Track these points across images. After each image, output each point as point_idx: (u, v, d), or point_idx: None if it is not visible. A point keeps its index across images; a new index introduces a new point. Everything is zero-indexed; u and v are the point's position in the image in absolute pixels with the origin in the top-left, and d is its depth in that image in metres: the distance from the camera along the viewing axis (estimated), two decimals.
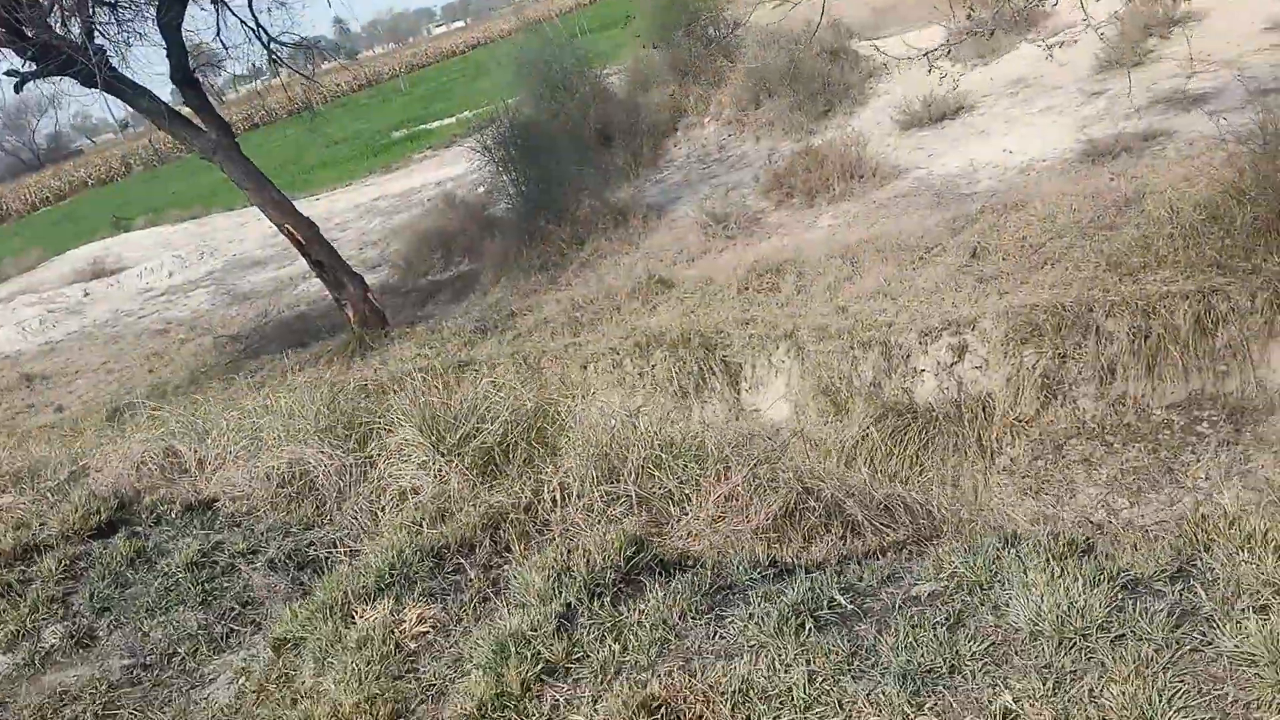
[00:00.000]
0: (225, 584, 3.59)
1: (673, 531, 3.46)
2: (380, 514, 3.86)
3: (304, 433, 4.34)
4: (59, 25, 9.87)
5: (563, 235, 13.62)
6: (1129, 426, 6.41)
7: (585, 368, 10.47)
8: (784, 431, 7.36)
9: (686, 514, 3.50)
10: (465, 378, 10.14)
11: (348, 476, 4.11)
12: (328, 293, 15.92)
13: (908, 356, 7.72)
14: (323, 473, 4.11)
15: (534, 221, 14.03)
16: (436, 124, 36.80)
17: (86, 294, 22.29)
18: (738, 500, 3.43)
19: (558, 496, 3.66)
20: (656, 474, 3.73)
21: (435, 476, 3.92)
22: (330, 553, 3.73)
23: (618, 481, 3.67)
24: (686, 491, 3.58)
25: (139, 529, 4.08)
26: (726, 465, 3.62)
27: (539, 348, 11.15)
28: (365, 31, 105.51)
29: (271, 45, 11.08)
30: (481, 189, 19.48)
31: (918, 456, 6.59)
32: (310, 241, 11.73)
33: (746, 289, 10.29)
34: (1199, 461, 5.99)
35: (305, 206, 25.48)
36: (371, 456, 4.16)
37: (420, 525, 3.55)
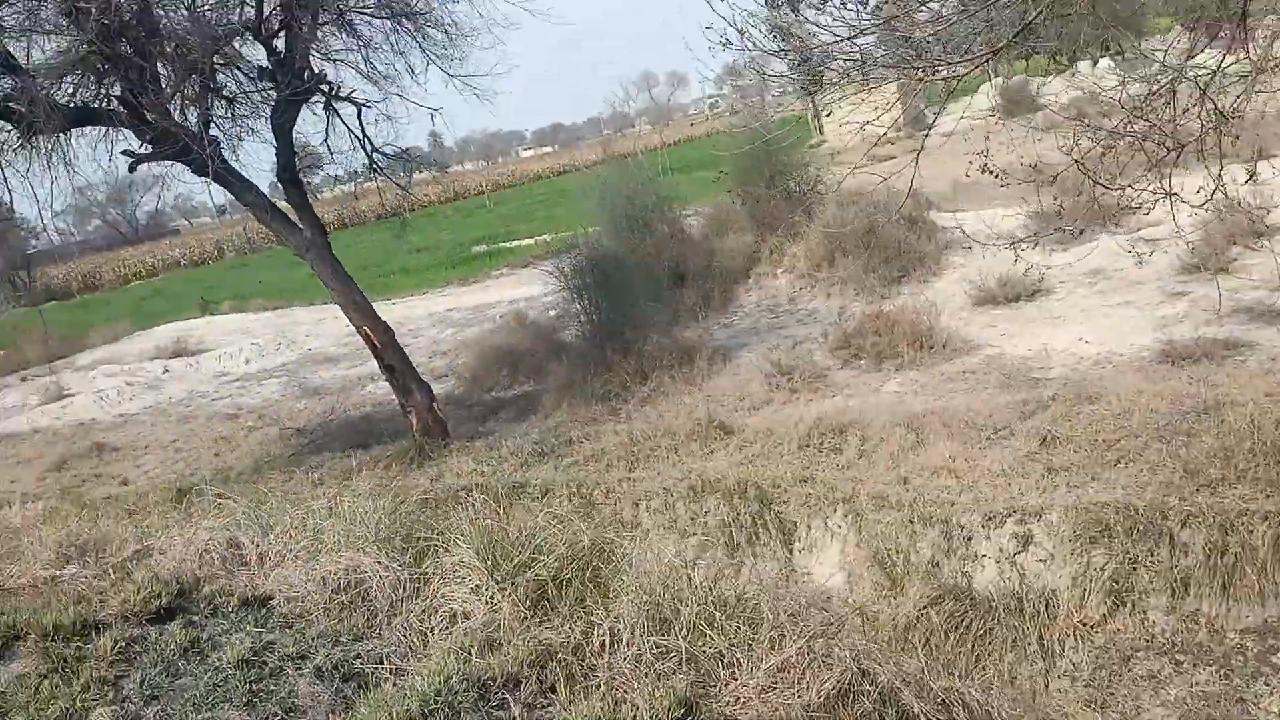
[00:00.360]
0: (272, 687, 3.60)
1: (720, 695, 3.41)
2: (430, 634, 3.87)
3: (364, 540, 4.40)
4: (178, 113, 10.50)
5: (628, 368, 13.80)
6: (1201, 646, 6.17)
7: (638, 505, 10.47)
8: (835, 600, 7.24)
9: (736, 679, 3.45)
10: (520, 502, 10.27)
11: (401, 591, 4.14)
12: (394, 397, 16.31)
13: (969, 539, 7.60)
14: (377, 584, 4.15)
15: (601, 351, 14.27)
16: (516, 243, 37.89)
17: (166, 371, 22.99)
18: (790, 672, 3.38)
19: (607, 641, 3.64)
20: (708, 632, 3.70)
21: (487, 603, 3.93)
22: (376, 669, 3.74)
23: (668, 634, 3.65)
24: (738, 655, 3.54)
25: (195, 618, 4.13)
26: (781, 633, 3.58)
27: (594, 478, 11.21)
28: (457, 147, 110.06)
29: (374, 154, 11.66)
30: (553, 312, 19.93)
31: (974, 646, 6.41)
32: (385, 346, 12.05)
33: (807, 445, 10.28)
34: (1272, 694, 5.74)
35: (383, 310, 26.20)
36: (427, 574, 4.19)
37: (469, 654, 3.55)
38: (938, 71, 4.65)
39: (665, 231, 17.53)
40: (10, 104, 9.33)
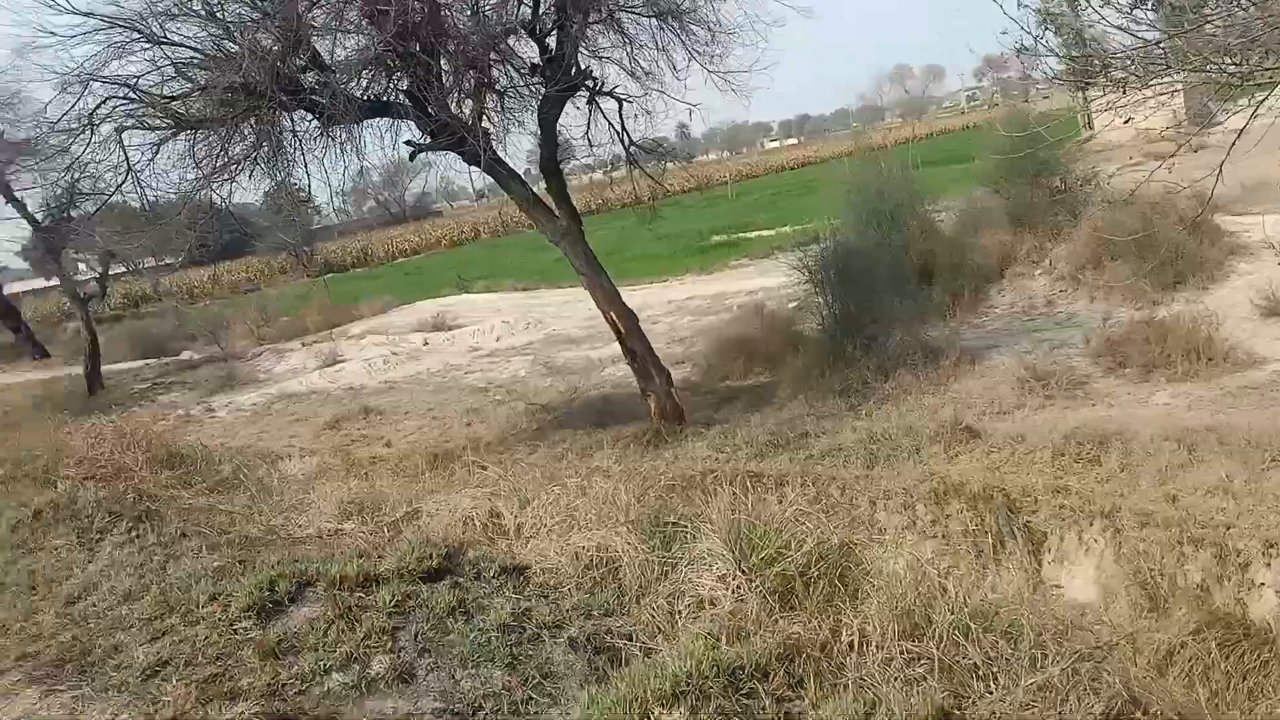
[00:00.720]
0: (530, 651, 3.81)
1: (975, 710, 3.29)
2: (677, 617, 3.97)
3: (614, 520, 4.56)
4: (455, 106, 11.15)
5: (869, 364, 13.51)
6: None
7: (875, 504, 10.24)
8: (1089, 617, 6.80)
9: (992, 693, 3.32)
10: (753, 492, 10.28)
11: (650, 572, 4.26)
12: (634, 381, 16.74)
13: (1246, 565, 6.94)
14: (628, 563, 4.29)
15: (840, 345, 14.04)
16: (756, 234, 37.88)
17: (425, 343, 24.66)
18: (1053, 693, 3.21)
19: (856, 641, 3.60)
20: (962, 642, 3.58)
21: (734, 592, 3.98)
22: (626, 645, 3.87)
23: (920, 640, 3.56)
24: (995, 669, 3.40)
25: (461, 580, 4.43)
26: (1043, 652, 3.41)
27: (829, 473, 11.05)
28: (703, 138, 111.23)
29: (631, 147, 11.97)
30: (792, 304, 19.78)
31: (1247, 679, 5.84)
32: (629, 332, 12.37)
33: (1063, 455, 9.70)
34: None
35: (623, 296, 27.06)
36: (675, 558, 4.29)
37: (718, 640, 3.62)
38: (1246, 75, 4.24)
39: (915, 226, 16.96)
40: (315, 97, 10.26)
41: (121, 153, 10.90)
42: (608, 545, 4.37)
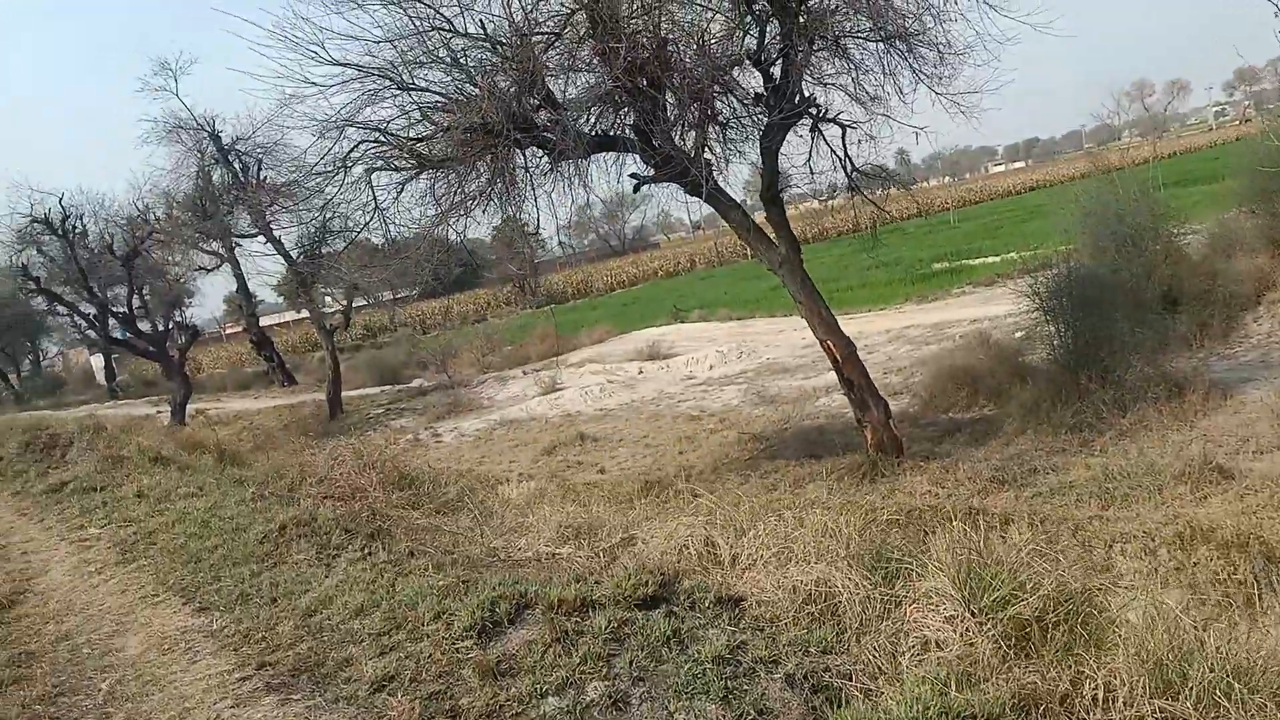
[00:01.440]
0: (745, 686, 3.73)
1: None
2: (900, 658, 3.79)
3: (833, 554, 4.43)
4: (678, 138, 11.33)
5: (1104, 397, 12.62)
6: None
7: (1110, 547, 9.49)
8: None
9: None
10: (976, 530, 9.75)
11: (871, 609, 4.09)
12: (848, 411, 16.39)
13: None
14: (847, 599, 4.14)
15: (1073, 377, 13.21)
16: (979, 261, 36.50)
17: (641, 372, 25.15)
18: None
19: (1100, 696, 3.31)
20: (1224, 704, 3.22)
21: (962, 635, 3.76)
22: (845, 685, 3.73)
23: (1175, 699, 3.23)
24: None
25: (676, 609, 4.41)
26: None
27: (1059, 513, 10.36)
28: (924, 163, 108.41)
29: (854, 174, 11.77)
30: (1019, 333, 18.84)
31: None
32: (846, 360, 12.11)
33: None
34: None
35: (840, 324, 26.62)
36: (898, 596, 4.11)
37: (946, 685, 3.42)
38: None
39: (1157, 250, 15.77)
40: (546, 134, 10.72)
41: (370, 192, 11.77)
42: (827, 580, 4.23)
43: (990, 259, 35.93)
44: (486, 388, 28.02)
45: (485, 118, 10.05)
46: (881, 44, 10.40)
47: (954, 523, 4.60)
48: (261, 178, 26.89)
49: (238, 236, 28.69)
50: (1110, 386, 12.68)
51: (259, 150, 27.15)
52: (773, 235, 12.05)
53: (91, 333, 31.24)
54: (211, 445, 15.48)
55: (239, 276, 31.89)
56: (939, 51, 10.20)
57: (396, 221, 11.53)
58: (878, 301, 31.23)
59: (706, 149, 11.64)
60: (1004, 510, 10.60)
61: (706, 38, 10.81)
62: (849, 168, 11.72)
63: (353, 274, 26.90)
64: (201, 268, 31.54)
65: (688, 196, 12.10)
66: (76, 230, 26.47)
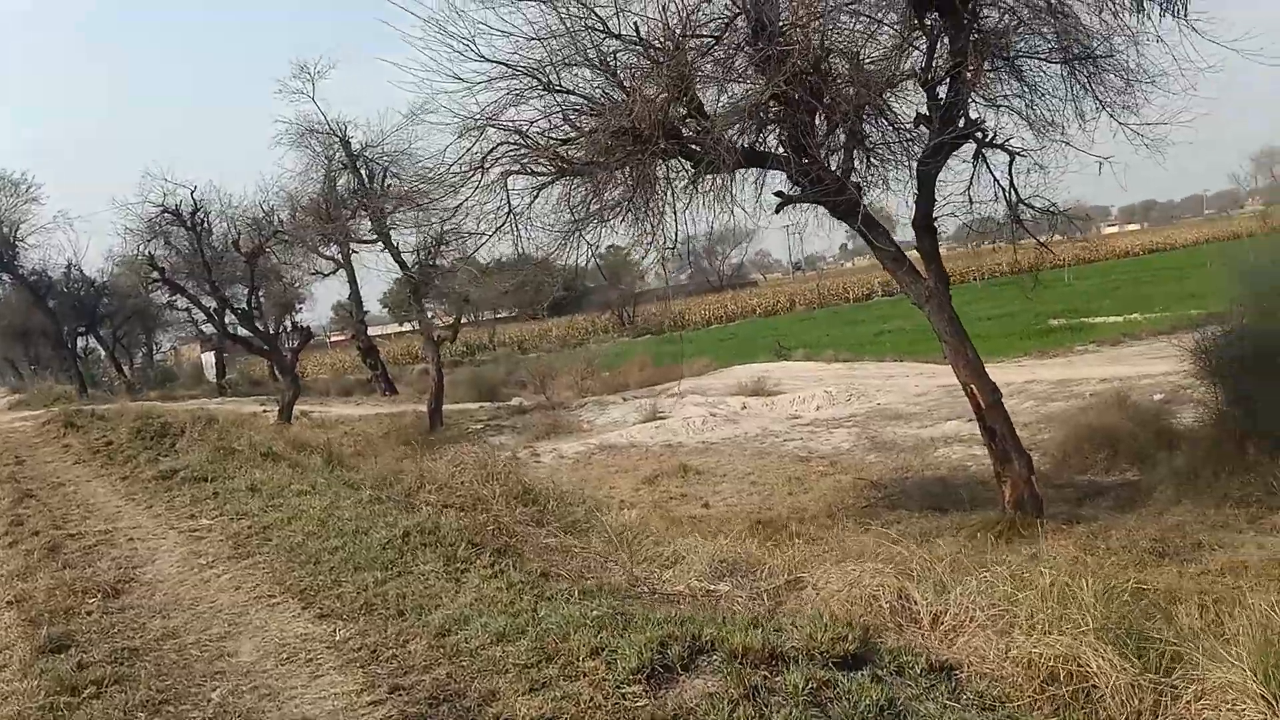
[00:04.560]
0: None
1: None
2: None
3: (1075, 625, 3.72)
4: (829, 159, 10.73)
5: (1274, 473, 11.47)
6: None
7: None
8: None
9: None
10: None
11: (1140, 701, 3.37)
12: (972, 463, 15.42)
13: None
14: (1109, 686, 3.43)
15: (1239, 445, 12.08)
16: (1100, 319, 35.16)
17: (744, 407, 24.42)
18: None
19: None
20: None
21: None
22: None
23: None
24: None
25: (881, 673, 3.75)
26: None
27: (1233, 594, 9.32)
28: (1034, 217, 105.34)
29: (1018, 206, 10.95)
30: (1158, 396, 17.68)
31: None
32: (991, 408, 11.26)
33: None
34: None
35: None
36: (1175, 687, 3.38)
37: None
38: None
39: None
40: (692, 145, 10.22)
41: (505, 195, 11.41)
42: (1074, 656, 3.53)
43: (1114, 319, 34.46)
44: (586, 411, 27.59)
45: (636, 122, 9.60)
46: (1064, 65, 9.59)
47: (1252, 599, 3.83)
48: (386, 184, 27.04)
49: (358, 242, 28.89)
50: None
51: (385, 158, 27.33)
52: (921, 268, 11.31)
53: (208, 328, 31.86)
54: (319, 445, 15.29)
55: (352, 283, 32.20)
56: (1126, 78, 9.35)
57: (530, 227, 11.14)
58: (994, 354, 29.80)
59: (854, 171, 11.02)
60: (1169, 586, 9.65)
61: (864, 55, 10.21)
62: (1013, 199, 10.89)
63: (465, 287, 26.97)
64: (318, 272, 31.91)
65: (792, 232, 11.50)
66: (204, 224, 26.92)
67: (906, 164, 10.81)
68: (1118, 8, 8.76)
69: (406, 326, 79.95)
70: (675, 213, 11.16)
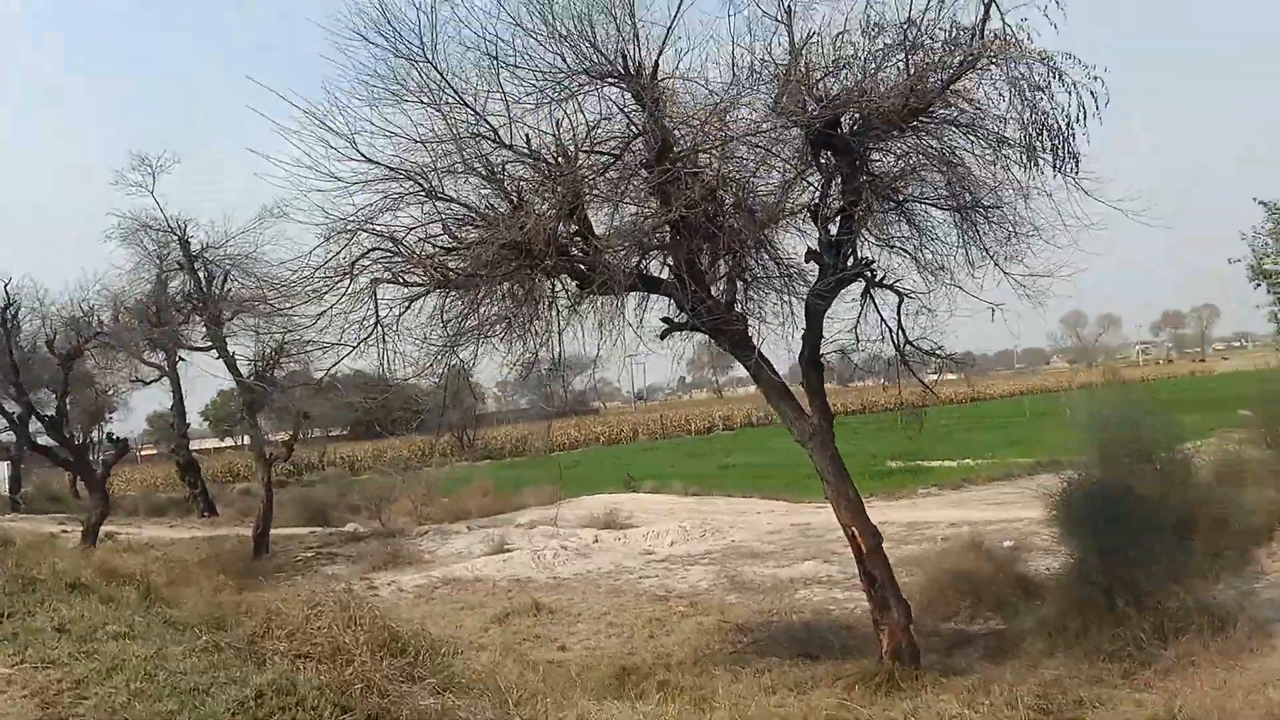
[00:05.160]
0: None
1: None
2: None
3: None
4: (717, 290, 10.52)
5: (1143, 625, 11.52)
6: None
7: None
8: None
9: None
10: None
11: None
12: (833, 606, 15.06)
13: None
14: None
15: (1106, 596, 12.13)
16: (938, 464, 36.43)
17: (596, 540, 23.60)
18: None
19: None
20: None
21: None
22: None
23: None
24: None
25: None
26: None
27: None
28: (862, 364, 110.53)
29: (905, 347, 10.90)
30: (1008, 543, 17.97)
31: None
32: (871, 552, 10.95)
33: None
34: None
35: (802, 513, 25.49)
36: None
37: None
38: None
39: (1174, 470, 15.08)
40: (581, 264, 9.74)
41: (374, 305, 10.64)
42: None
43: (949, 463, 35.70)
44: (427, 540, 26.11)
45: (527, 236, 9.08)
46: (954, 213, 9.69)
47: None
48: (226, 289, 25.44)
49: (189, 349, 26.95)
50: (1148, 613, 11.60)
51: (228, 260, 25.80)
52: (805, 404, 11.06)
53: (6, 435, 28.75)
54: (134, 575, 13.59)
55: (176, 392, 29.99)
56: (1012, 229, 9.51)
57: (399, 340, 10.34)
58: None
59: (736, 303, 10.82)
60: None
61: (756, 188, 10.10)
62: (900, 339, 10.84)
63: (304, 402, 25.38)
64: (139, 380, 29.52)
65: (677, 359, 11.26)
66: (14, 321, 24.50)
67: (787, 299, 10.64)
68: (1009, 161, 8.94)
69: (228, 442, 75.65)
70: (559, 332, 10.64)
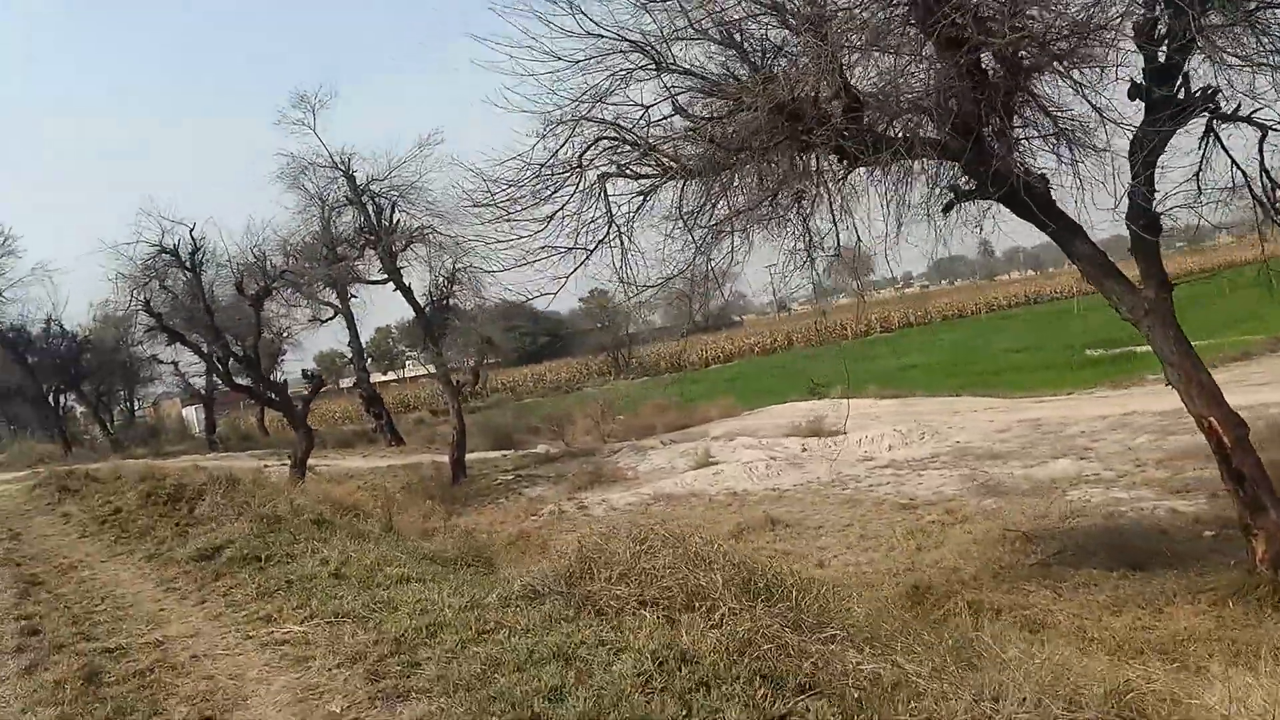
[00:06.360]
0: None
1: None
2: None
3: None
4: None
5: None
6: None
7: None
8: None
9: None
10: None
11: None
12: (1125, 508, 13.15)
13: None
14: None
15: None
16: (1143, 349, 33.36)
17: (805, 449, 22.25)
18: None
19: None
20: None
21: None
22: None
23: None
24: None
25: None
26: None
27: None
28: (1004, 256, 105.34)
29: (1275, 193, 8.82)
30: None
31: None
32: (1237, 446, 9.08)
33: None
34: None
35: (1029, 409, 23.43)
36: None
37: None
38: None
39: None
40: (844, 133, 8.06)
41: (604, 204, 9.33)
42: None
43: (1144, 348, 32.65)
44: (623, 457, 25.23)
45: (795, 96, 7.47)
46: None
47: None
48: (395, 221, 24.70)
49: (364, 283, 26.50)
50: None
51: (393, 192, 25.01)
52: (1134, 275, 9.21)
53: (197, 380, 29.18)
54: (362, 507, 12.90)
55: (352, 329, 29.83)
56: None
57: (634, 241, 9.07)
58: (1042, 386, 28.09)
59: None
60: None
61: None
62: (1265, 185, 8.75)
63: (486, 328, 24.64)
64: (316, 319, 29.40)
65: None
66: (203, 265, 24.36)
67: (1105, 150, 8.61)
68: None
69: (390, 375, 77.41)
70: (836, 215, 9.04)
